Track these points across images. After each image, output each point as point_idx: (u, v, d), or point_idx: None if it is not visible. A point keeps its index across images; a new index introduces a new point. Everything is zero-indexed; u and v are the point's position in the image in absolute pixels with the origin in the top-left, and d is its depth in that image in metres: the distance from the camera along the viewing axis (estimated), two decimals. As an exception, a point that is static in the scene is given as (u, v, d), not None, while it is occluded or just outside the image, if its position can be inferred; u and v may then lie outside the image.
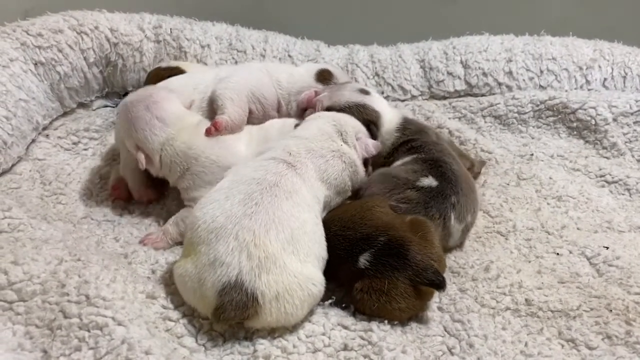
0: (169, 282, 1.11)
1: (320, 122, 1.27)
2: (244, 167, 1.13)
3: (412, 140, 1.41)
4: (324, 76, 1.57)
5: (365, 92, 1.46)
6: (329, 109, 1.40)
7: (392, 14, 2.14)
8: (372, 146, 1.30)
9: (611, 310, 1.12)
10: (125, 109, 1.33)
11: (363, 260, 1.06)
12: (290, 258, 0.99)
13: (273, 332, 1.00)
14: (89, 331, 0.91)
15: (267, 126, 1.42)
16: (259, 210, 1.01)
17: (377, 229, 1.09)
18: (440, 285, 1.04)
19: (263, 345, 0.98)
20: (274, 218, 1.00)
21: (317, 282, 1.02)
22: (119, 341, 0.90)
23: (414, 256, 1.05)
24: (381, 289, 1.03)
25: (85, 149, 1.63)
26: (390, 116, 1.46)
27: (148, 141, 1.30)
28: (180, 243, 1.31)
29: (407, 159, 1.37)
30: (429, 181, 1.28)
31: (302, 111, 1.51)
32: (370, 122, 1.40)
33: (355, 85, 1.52)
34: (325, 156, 1.18)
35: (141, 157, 1.30)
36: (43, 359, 0.89)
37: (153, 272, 1.17)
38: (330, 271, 1.07)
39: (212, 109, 1.45)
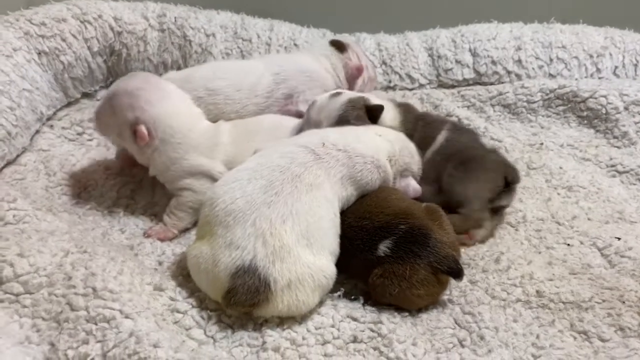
0: (176, 273, 1.11)
1: (377, 138, 1.22)
2: (273, 149, 1.11)
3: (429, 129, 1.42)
4: (338, 46, 1.64)
5: (338, 94, 1.40)
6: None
7: (400, 1, 2.12)
8: (412, 189, 1.24)
9: (624, 302, 1.10)
10: (121, 85, 1.30)
11: (383, 247, 1.05)
12: (305, 250, 0.99)
13: (282, 324, 0.99)
14: (96, 324, 0.90)
15: (256, 121, 1.40)
16: (279, 200, 1.00)
17: (396, 216, 1.08)
18: (458, 273, 1.04)
19: (272, 337, 0.97)
20: (291, 210, 1.00)
21: (328, 274, 1.01)
22: (126, 334, 0.89)
23: (435, 244, 1.04)
24: (402, 275, 1.03)
25: (89, 140, 1.60)
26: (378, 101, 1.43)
27: (152, 106, 1.25)
28: (185, 230, 1.31)
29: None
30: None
31: (354, 80, 1.59)
32: (366, 107, 1.35)
33: (325, 95, 1.45)
34: (365, 157, 1.14)
35: (142, 129, 1.25)
36: (50, 352, 0.88)
37: (160, 263, 1.17)
38: (340, 263, 1.06)
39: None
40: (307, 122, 1.35)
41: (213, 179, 1.27)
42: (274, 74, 1.50)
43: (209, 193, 1.06)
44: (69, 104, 1.68)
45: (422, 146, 1.36)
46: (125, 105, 1.26)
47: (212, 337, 0.97)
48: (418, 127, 1.40)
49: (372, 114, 1.35)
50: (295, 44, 1.86)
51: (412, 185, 1.24)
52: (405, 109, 1.45)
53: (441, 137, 1.39)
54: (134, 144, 1.28)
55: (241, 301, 0.95)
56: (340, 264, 1.06)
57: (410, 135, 1.36)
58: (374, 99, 1.40)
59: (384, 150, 1.20)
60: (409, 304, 1.06)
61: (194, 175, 1.28)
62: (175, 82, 1.41)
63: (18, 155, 1.44)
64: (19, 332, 0.90)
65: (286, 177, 1.03)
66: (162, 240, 1.26)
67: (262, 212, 0.99)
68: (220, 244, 0.98)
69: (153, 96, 1.27)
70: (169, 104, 1.29)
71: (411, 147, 1.29)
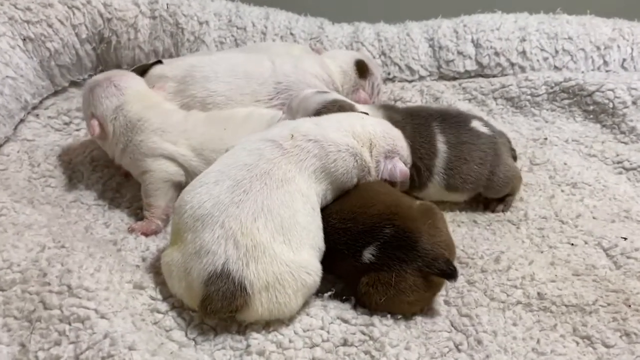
0: (159, 270, 1.05)
1: (357, 120, 1.15)
2: (240, 147, 1.07)
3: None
4: (362, 70, 1.57)
5: (325, 92, 1.36)
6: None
7: (400, -10, 2.07)
8: (398, 172, 1.15)
9: (630, 306, 1.06)
10: (89, 82, 1.37)
11: (368, 254, 1.00)
12: (281, 247, 0.94)
13: (268, 326, 0.95)
14: (69, 324, 0.86)
15: (231, 112, 1.38)
16: (248, 198, 0.96)
17: (380, 217, 1.02)
18: (452, 274, 0.98)
19: (257, 340, 0.92)
20: (262, 207, 0.95)
21: (311, 270, 0.96)
22: (101, 335, 0.84)
23: (424, 246, 0.99)
24: (389, 282, 0.98)
25: (77, 130, 1.57)
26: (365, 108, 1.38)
27: (101, 104, 1.30)
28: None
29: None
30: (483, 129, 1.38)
31: None
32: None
33: (310, 90, 1.40)
34: (339, 146, 1.08)
35: (94, 123, 1.30)
36: (20, 353, 0.84)
37: (143, 259, 1.13)
38: (329, 266, 1.01)
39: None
40: (288, 110, 1.31)
41: (177, 162, 1.27)
42: (276, 83, 1.47)
43: (178, 201, 1.03)
44: (56, 93, 1.65)
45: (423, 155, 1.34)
46: (83, 102, 1.36)
47: (193, 340, 0.93)
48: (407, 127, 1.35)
49: None
50: (291, 34, 1.81)
51: (399, 167, 1.16)
52: (388, 110, 1.40)
53: (442, 147, 1.34)
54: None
55: (218, 308, 0.91)
56: (328, 266, 1.01)
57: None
58: (361, 107, 1.35)
59: (365, 133, 1.13)
60: (400, 311, 1.01)
61: (151, 157, 1.27)
62: (176, 77, 1.42)
63: (1, 145, 1.40)
64: (-12, 332, 0.86)
65: (254, 175, 0.99)
66: (146, 235, 1.23)
67: (231, 212, 0.94)
68: (190, 251, 0.94)
69: (107, 93, 1.31)
70: (122, 99, 1.31)
71: (396, 132, 1.21)
